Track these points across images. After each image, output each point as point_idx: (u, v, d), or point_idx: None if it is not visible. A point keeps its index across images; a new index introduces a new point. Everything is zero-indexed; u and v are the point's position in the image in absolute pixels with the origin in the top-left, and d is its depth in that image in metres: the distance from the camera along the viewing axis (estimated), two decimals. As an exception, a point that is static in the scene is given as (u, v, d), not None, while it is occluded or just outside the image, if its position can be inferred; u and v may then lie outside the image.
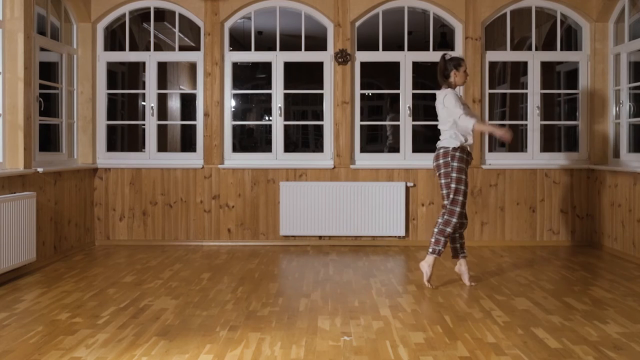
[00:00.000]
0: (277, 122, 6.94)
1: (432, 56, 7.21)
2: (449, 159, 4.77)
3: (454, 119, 4.76)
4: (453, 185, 4.76)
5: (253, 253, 6.36)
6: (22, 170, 5.38)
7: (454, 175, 4.76)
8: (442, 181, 4.82)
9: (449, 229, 4.78)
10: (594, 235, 6.75)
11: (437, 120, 4.96)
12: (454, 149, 4.77)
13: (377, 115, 15.66)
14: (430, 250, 4.84)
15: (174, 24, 7.13)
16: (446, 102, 4.79)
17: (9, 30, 5.47)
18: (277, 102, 6.92)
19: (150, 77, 6.96)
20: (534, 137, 6.90)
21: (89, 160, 6.83)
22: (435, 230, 4.83)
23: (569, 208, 6.84)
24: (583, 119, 6.93)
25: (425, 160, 6.83)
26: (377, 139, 15.00)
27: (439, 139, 4.92)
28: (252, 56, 7.32)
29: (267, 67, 7.51)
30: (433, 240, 4.84)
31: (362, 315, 4.06)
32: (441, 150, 4.83)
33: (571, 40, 7.53)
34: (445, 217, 4.80)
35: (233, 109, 7.24)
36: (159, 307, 4.23)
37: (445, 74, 4.88)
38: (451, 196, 4.77)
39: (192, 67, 10.82)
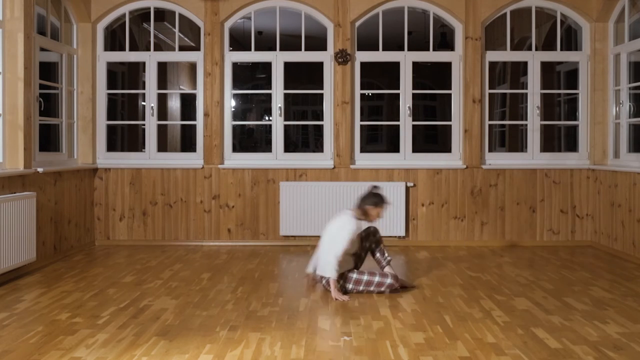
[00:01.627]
0: (277, 122, 6.94)
1: (432, 56, 7.23)
2: (335, 289, 4.52)
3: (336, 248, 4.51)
4: (350, 286, 4.61)
5: (253, 253, 6.36)
6: (22, 170, 5.38)
7: (347, 287, 4.61)
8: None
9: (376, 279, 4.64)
10: (593, 235, 6.75)
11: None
12: (336, 279, 4.56)
13: (377, 115, 15.66)
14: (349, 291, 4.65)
15: (174, 24, 7.13)
16: (343, 231, 4.54)
17: (9, 30, 5.47)
18: (277, 102, 6.92)
19: (150, 77, 6.97)
20: (534, 137, 6.90)
21: (89, 160, 6.83)
22: (365, 278, 4.61)
23: (569, 208, 6.84)
24: (583, 119, 6.92)
25: (425, 160, 6.86)
26: (377, 139, 14.99)
27: (322, 262, 4.62)
28: (252, 56, 7.32)
29: (267, 67, 7.52)
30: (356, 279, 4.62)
31: (362, 315, 4.06)
32: (324, 281, 4.66)
33: (571, 40, 7.53)
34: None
35: (233, 109, 7.24)
36: (159, 307, 4.23)
37: (365, 202, 4.66)
38: (361, 287, 4.62)
39: (192, 67, 10.83)
